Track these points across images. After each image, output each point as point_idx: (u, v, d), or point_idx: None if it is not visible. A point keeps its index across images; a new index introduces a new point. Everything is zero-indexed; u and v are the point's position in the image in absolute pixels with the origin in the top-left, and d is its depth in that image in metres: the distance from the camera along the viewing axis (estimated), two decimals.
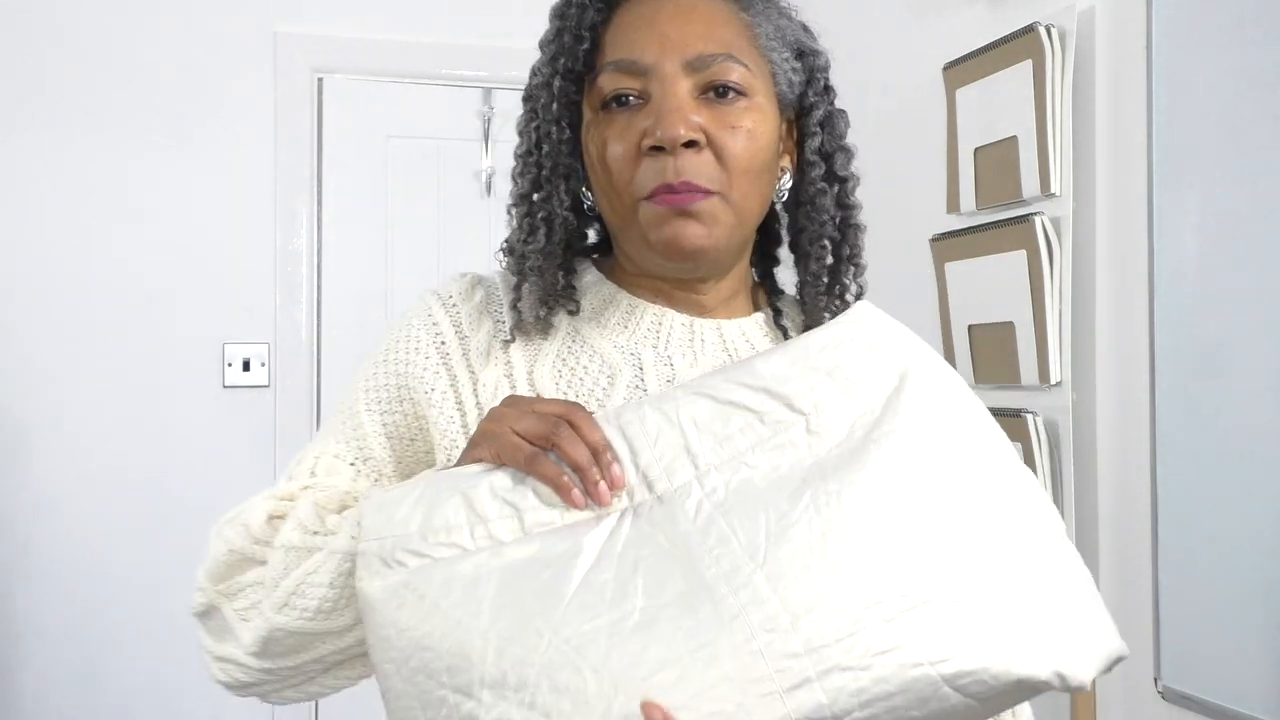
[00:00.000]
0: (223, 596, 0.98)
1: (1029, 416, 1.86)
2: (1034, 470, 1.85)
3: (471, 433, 0.97)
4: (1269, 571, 1.50)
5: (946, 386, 0.93)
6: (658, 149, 0.95)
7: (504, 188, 3.01)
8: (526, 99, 1.04)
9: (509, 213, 1.05)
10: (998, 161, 1.98)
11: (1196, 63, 1.62)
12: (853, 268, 1.08)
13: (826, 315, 1.06)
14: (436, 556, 0.85)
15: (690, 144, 0.95)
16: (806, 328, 1.05)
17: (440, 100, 3.01)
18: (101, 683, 2.76)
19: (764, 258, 1.12)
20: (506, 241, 1.04)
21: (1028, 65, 1.88)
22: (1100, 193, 1.82)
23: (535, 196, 1.02)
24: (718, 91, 0.97)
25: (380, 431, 1.05)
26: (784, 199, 1.07)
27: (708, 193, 0.96)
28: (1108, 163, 1.81)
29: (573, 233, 1.04)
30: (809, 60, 1.06)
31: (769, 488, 0.85)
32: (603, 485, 0.86)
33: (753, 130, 0.98)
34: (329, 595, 0.92)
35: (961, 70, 2.08)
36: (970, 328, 2.04)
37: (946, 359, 2.20)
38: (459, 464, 0.92)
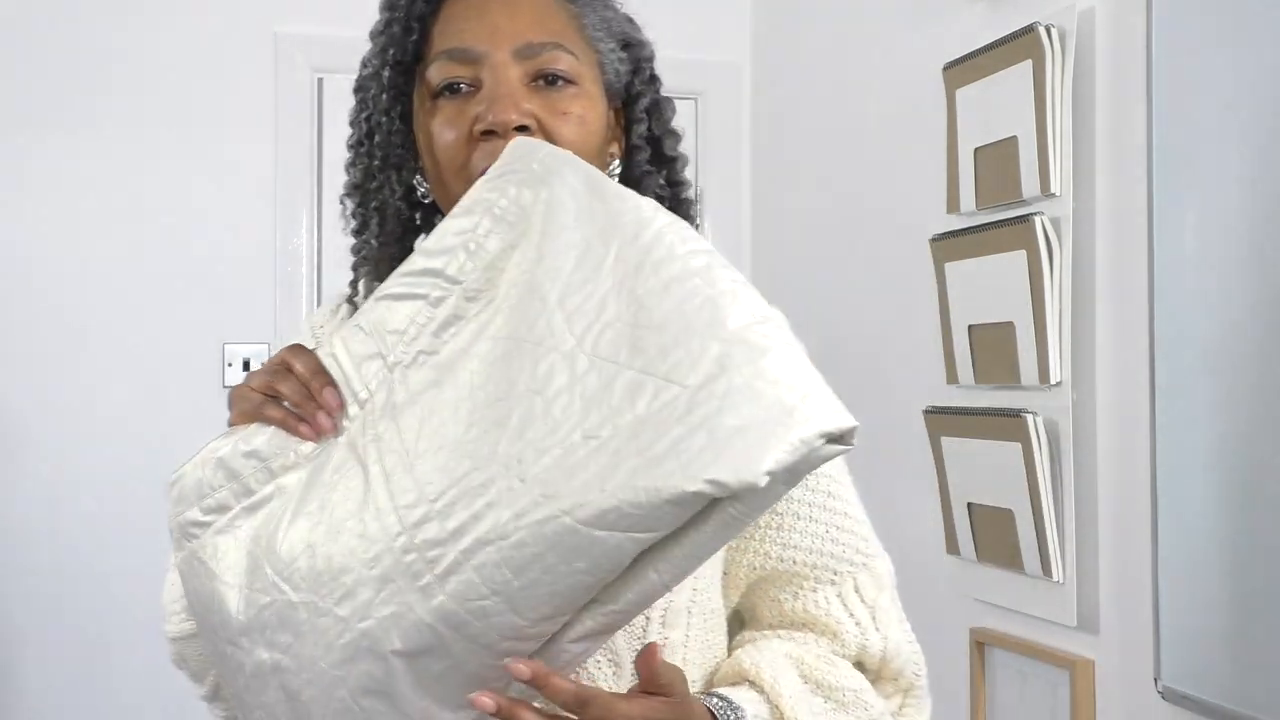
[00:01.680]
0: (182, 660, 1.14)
1: (1029, 416, 1.86)
2: (1034, 470, 1.85)
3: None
4: (1269, 571, 1.49)
5: (576, 204, 0.90)
6: (490, 133, 0.98)
7: None
8: (357, 90, 1.09)
9: (342, 204, 1.09)
10: (998, 161, 1.98)
11: (1196, 63, 1.62)
12: None
13: None
14: (208, 522, 0.97)
15: (522, 129, 0.98)
16: None
17: None
18: (101, 683, 2.76)
19: None
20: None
21: (1028, 65, 1.88)
22: (1100, 193, 1.82)
23: (369, 186, 1.06)
24: (547, 79, 1.01)
25: None
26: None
27: None
28: (1108, 163, 1.81)
29: (406, 222, 1.08)
30: (634, 50, 1.10)
31: (438, 372, 0.89)
32: (321, 415, 0.91)
33: (582, 116, 1.01)
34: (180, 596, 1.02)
35: (961, 70, 2.08)
36: (970, 328, 2.04)
37: (946, 359, 2.21)
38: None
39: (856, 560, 1.07)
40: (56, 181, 2.78)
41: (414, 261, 0.93)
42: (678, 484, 0.77)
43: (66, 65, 2.78)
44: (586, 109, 1.02)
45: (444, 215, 1.03)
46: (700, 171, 2.98)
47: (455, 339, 0.90)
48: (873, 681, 1.07)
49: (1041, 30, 1.85)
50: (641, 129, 1.10)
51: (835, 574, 1.06)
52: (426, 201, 1.09)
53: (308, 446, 0.92)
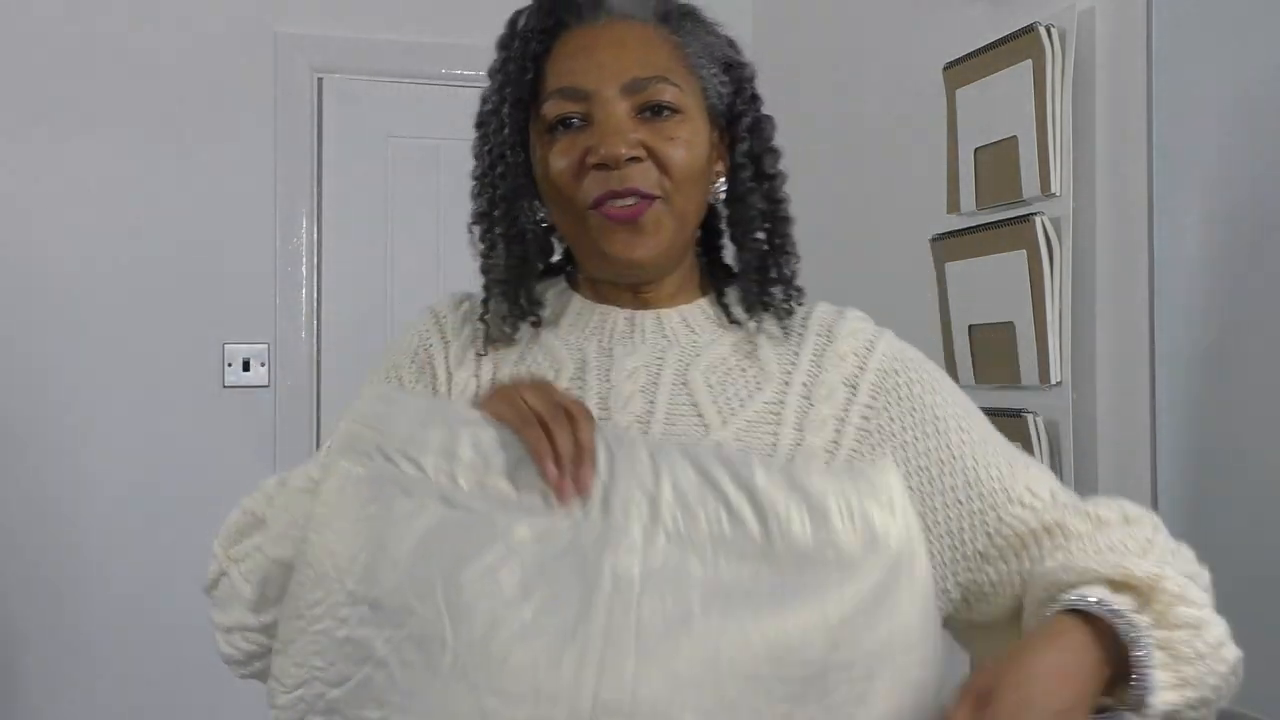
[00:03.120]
0: (231, 561, 1.05)
1: (1029, 416, 1.86)
2: None
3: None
4: (1269, 571, 1.50)
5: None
6: (602, 165, 1.04)
7: None
8: (479, 125, 1.13)
9: (470, 230, 1.14)
10: (998, 161, 1.98)
11: (1196, 63, 1.62)
12: (783, 255, 1.16)
13: (761, 296, 1.14)
14: (400, 468, 0.92)
15: (632, 159, 1.04)
16: (745, 306, 1.13)
17: (440, 100, 3.01)
18: (101, 683, 2.76)
19: (710, 249, 1.21)
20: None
21: (1028, 65, 1.88)
22: (1100, 193, 1.82)
23: (495, 214, 1.11)
24: (654, 110, 1.07)
25: None
26: (722, 198, 1.15)
27: (651, 197, 1.05)
28: (1108, 163, 1.81)
29: (532, 245, 1.13)
30: (736, 72, 1.15)
31: (698, 584, 0.87)
32: (569, 482, 0.91)
33: (689, 140, 1.07)
34: None
35: (961, 70, 2.08)
36: (970, 328, 2.04)
37: (946, 359, 2.21)
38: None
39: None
40: (57, 181, 2.78)
41: (748, 473, 0.93)
42: None
43: (66, 65, 2.78)
44: (692, 134, 1.08)
45: (561, 238, 1.15)
46: None
47: (720, 568, 0.89)
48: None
49: (1041, 30, 1.85)
50: (744, 147, 1.14)
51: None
52: (545, 226, 1.15)
53: (528, 496, 0.91)
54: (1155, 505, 1.67)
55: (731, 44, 1.17)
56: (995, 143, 1.98)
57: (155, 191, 2.82)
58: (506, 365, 1.12)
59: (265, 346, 2.88)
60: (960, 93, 2.09)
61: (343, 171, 2.96)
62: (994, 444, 1.09)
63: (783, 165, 1.17)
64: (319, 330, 2.93)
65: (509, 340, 1.12)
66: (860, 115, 2.58)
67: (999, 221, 1.96)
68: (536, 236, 1.14)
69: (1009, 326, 1.93)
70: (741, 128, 1.14)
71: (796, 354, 1.10)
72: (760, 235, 1.15)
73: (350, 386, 3.25)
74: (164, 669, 2.80)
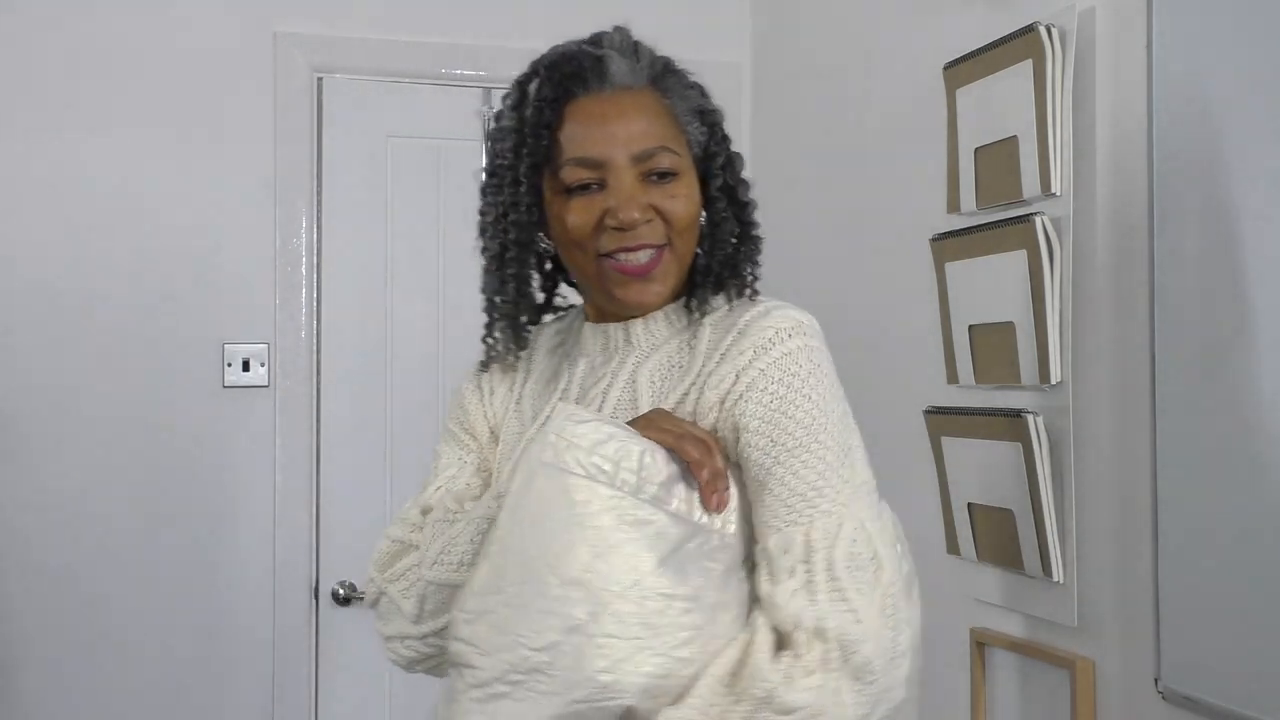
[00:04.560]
0: (388, 581, 1.31)
1: (1029, 416, 1.86)
2: (1034, 470, 1.85)
3: (489, 421, 1.40)
4: (1269, 571, 1.50)
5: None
6: (619, 228, 1.25)
7: None
8: (490, 174, 1.33)
9: (483, 256, 1.34)
10: (998, 161, 1.98)
11: (1196, 63, 1.62)
12: (750, 263, 1.34)
13: (720, 292, 1.33)
14: (599, 480, 1.11)
15: (644, 221, 1.25)
16: (700, 302, 1.32)
17: (440, 100, 3.01)
18: (102, 683, 2.76)
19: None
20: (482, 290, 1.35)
21: (1028, 65, 1.88)
22: (1100, 193, 1.82)
23: (506, 256, 1.31)
24: (659, 175, 1.27)
25: (460, 429, 1.43)
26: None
27: (660, 248, 1.27)
28: (1108, 163, 1.81)
29: (527, 289, 1.35)
30: (708, 116, 1.34)
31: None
32: (717, 497, 1.17)
33: (687, 195, 1.29)
34: (469, 550, 1.23)
35: (961, 70, 2.08)
36: (970, 328, 2.04)
37: (946, 359, 2.21)
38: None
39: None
40: (57, 181, 2.78)
41: None
42: None
43: (66, 64, 2.78)
44: (688, 189, 1.29)
45: (567, 276, 1.39)
46: None
47: None
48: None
49: (1041, 30, 1.85)
50: (719, 181, 1.33)
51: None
52: (549, 260, 1.38)
53: (687, 510, 1.16)
54: (1155, 505, 1.67)
55: (703, 93, 1.36)
56: (995, 143, 1.98)
57: (155, 191, 2.82)
58: (532, 378, 1.39)
59: (265, 346, 2.88)
60: (960, 93, 2.09)
61: (343, 171, 2.96)
62: (809, 479, 1.19)
63: (753, 194, 1.36)
64: (319, 330, 2.92)
65: (514, 362, 1.38)
66: (860, 115, 2.58)
67: (999, 221, 1.95)
68: (537, 278, 1.37)
69: (1009, 326, 1.93)
70: (716, 165, 1.33)
71: (715, 346, 1.26)
72: (729, 248, 1.33)
73: (350, 386, 3.27)
74: (164, 669, 2.80)
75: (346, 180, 2.96)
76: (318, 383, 2.91)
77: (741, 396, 1.21)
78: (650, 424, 1.19)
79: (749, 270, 1.33)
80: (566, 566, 1.09)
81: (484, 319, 1.36)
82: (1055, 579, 1.85)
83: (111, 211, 2.80)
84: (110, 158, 2.80)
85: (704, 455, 1.16)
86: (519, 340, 1.35)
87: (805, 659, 1.11)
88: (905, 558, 1.23)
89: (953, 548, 2.11)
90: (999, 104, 1.97)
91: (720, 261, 1.31)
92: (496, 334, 1.35)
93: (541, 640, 1.09)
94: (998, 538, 1.97)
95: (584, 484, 1.10)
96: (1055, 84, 1.84)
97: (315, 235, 2.92)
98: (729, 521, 1.18)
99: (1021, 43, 1.89)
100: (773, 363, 1.21)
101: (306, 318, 2.91)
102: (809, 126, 2.83)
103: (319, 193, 2.93)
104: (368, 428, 2.93)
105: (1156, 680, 1.68)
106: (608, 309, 1.33)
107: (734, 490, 1.19)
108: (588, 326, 1.36)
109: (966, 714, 2.11)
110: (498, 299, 1.33)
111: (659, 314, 1.31)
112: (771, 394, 1.19)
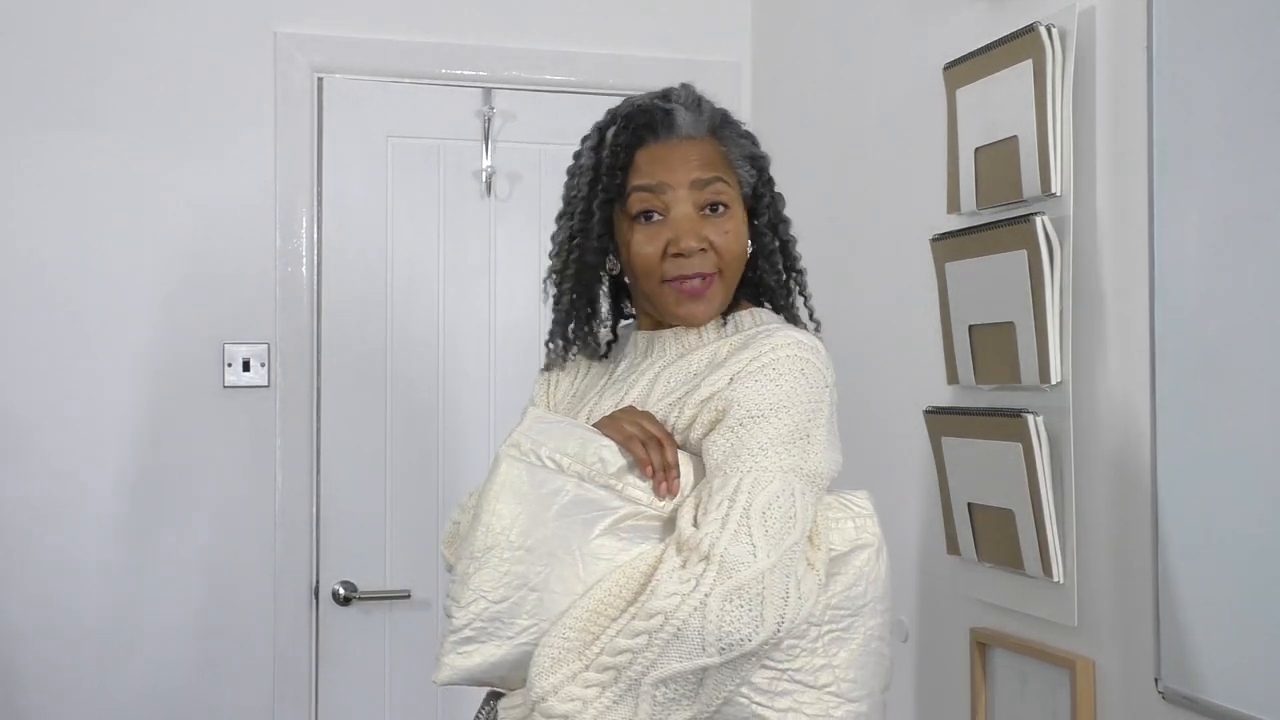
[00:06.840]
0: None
1: (1029, 416, 1.86)
2: (1034, 470, 1.85)
3: (553, 404, 1.64)
4: (1269, 571, 1.50)
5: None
6: (679, 254, 1.47)
7: (504, 188, 3.02)
8: (567, 202, 1.57)
9: (551, 273, 1.58)
10: (998, 161, 1.98)
11: (1196, 63, 1.62)
12: (796, 286, 1.61)
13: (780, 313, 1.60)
14: (546, 464, 1.38)
15: (700, 250, 1.48)
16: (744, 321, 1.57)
17: (440, 100, 3.01)
18: (101, 682, 2.76)
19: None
20: (552, 312, 1.60)
21: (1028, 65, 1.88)
22: (1100, 193, 1.82)
23: (567, 272, 1.55)
24: (712, 208, 1.50)
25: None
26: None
27: (711, 276, 1.49)
28: (1108, 163, 1.81)
29: (583, 302, 1.59)
30: (757, 162, 1.57)
31: None
32: (664, 485, 1.38)
33: (736, 232, 1.52)
34: None
35: (961, 70, 2.08)
36: (970, 328, 2.04)
37: (946, 359, 2.21)
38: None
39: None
40: (57, 181, 2.78)
41: None
42: None
43: (66, 64, 2.78)
44: (738, 224, 1.52)
45: (631, 294, 1.62)
46: None
47: None
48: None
49: (1041, 30, 1.85)
50: (765, 219, 1.57)
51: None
52: (614, 276, 1.60)
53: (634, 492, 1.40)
54: (1155, 505, 1.67)
55: (754, 141, 1.58)
56: (995, 143, 1.98)
57: (155, 191, 2.82)
58: (590, 378, 1.64)
59: (265, 346, 2.88)
60: (960, 93, 2.09)
61: (343, 171, 2.96)
62: (760, 440, 1.37)
63: (793, 231, 1.61)
64: (319, 330, 2.92)
65: (560, 364, 1.64)
66: (860, 115, 2.58)
67: (999, 221, 1.95)
68: (596, 295, 1.60)
69: (1009, 326, 1.93)
70: (763, 204, 1.56)
71: (725, 357, 1.46)
72: (778, 276, 1.58)
73: (350, 386, 3.28)
74: (164, 668, 2.80)
75: (346, 180, 2.96)
76: (318, 383, 2.91)
77: (729, 386, 1.41)
78: (612, 423, 1.43)
79: (792, 300, 1.58)
80: (520, 536, 1.34)
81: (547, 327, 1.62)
82: (1055, 579, 1.85)
83: (111, 211, 2.80)
84: (110, 157, 2.80)
85: (651, 452, 1.38)
86: (573, 344, 1.59)
87: (683, 571, 1.29)
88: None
89: (953, 548, 2.11)
90: (999, 104, 1.97)
91: (761, 288, 1.57)
92: (559, 340, 1.59)
93: (497, 595, 1.34)
94: (998, 538, 1.97)
95: (541, 471, 1.37)
96: (1055, 84, 1.84)
97: (315, 235, 2.92)
98: (671, 506, 1.39)
99: (1021, 43, 1.89)
100: (763, 365, 1.40)
101: (306, 318, 2.90)
102: (809, 126, 2.83)
103: (319, 193, 2.93)
104: (368, 428, 2.93)
105: (1156, 680, 1.68)
106: (661, 321, 1.55)
107: (691, 477, 1.40)
108: (637, 334, 1.60)
109: (966, 714, 2.11)
110: (557, 309, 1.57)
111: (697, 329, 1.53)
112: (753, 377, 1.39)
